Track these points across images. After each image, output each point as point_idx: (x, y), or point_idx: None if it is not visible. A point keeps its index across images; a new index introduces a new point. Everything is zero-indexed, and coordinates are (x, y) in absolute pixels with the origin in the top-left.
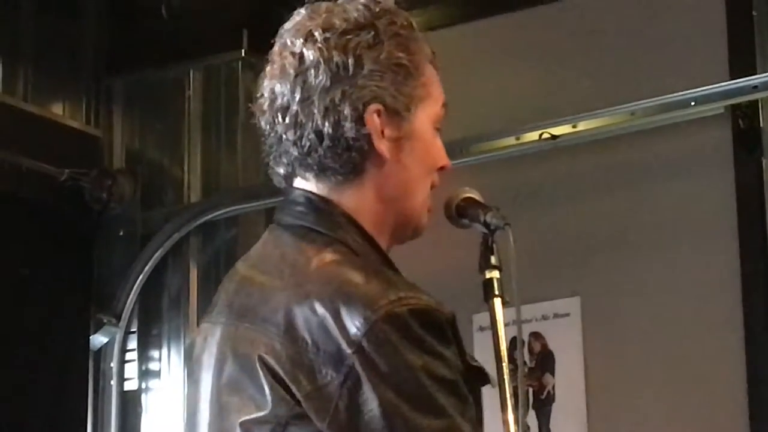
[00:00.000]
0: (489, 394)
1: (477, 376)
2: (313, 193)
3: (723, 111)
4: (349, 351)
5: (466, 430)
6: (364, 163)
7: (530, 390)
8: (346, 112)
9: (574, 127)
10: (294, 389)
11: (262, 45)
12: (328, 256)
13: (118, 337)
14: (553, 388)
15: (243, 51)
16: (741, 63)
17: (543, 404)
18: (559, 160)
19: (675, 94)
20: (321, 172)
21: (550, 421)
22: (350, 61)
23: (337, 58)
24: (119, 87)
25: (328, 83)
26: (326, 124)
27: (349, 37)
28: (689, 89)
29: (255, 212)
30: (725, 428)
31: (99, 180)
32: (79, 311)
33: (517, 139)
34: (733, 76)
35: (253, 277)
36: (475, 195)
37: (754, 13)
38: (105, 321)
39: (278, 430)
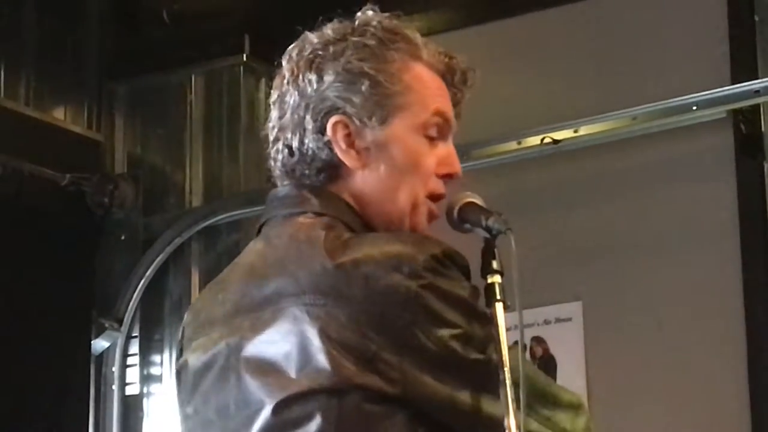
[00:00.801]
0: None
1: None
2: (304, 185)
3: (725, 115)
4: (411, 290)
5: None
6: (333, 171)
7: None
8: (309, 125)
9: (575, 131)
10: (362, 350)
11: (264, 50)
12: (341, 232)
13: (120, 342)
14: None
15: (245, 56)
16: (743, 67)
17: None
18: (561, 164)
19: (677, 99)
20: (300, 180)
21: None
22: (314, 75)
23: (303, 74)
24: (121, 92)
25: (297, 99)
26: (294, 137)
27: (319, 52)
28: (691, 94)
29: (257, 217)
30: (728, 429)
31: (101, 185)
32: (81, 316)
33: (519, 143)
34: (735, 81)
35: (257, 271)
36: (476, 199)
37: (755, 17)
38: (106, 325)
39: (334, 395)
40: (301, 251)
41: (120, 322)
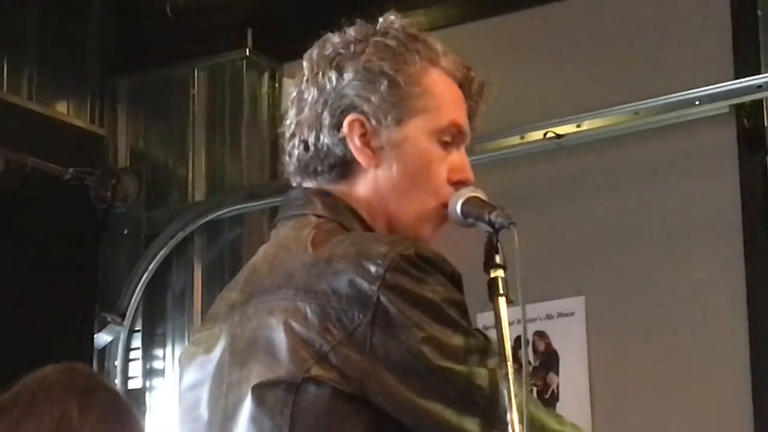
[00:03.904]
0: None
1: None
2: (311, 188)
3: (727, 110)
4: (373, 287)
5: (488, 346)
6: (347, 168)
7: (534, 389)
8: (326, 121)
9: (578, 126)
10: (321, 343)
11: (267, 44)
12: (331, 231)
13: (123, 336)
14: (558, 387)
15: (247, 50)
16: (746, 62)
17: (547, 403)
18: (564, 159)
19: (679, 94)
20: (313, 176)
21: None
22: (333, 73)
23: (323, 71)
24: (124, 86)
25: (316, 95)
26: (311, 133)
27: (340, 51)
28: (694, 88)
29: (259, 211)
30: (730, 427)
31: (103, 179)
32: (84, 310)
33: (522, 138)
34: (738, 76)
35: (258, 269)
36: (480, 194)
37: (759, 12)
38: (109, 320)
39: (291, 389)
40: (288, 248)
41: (123, 316)
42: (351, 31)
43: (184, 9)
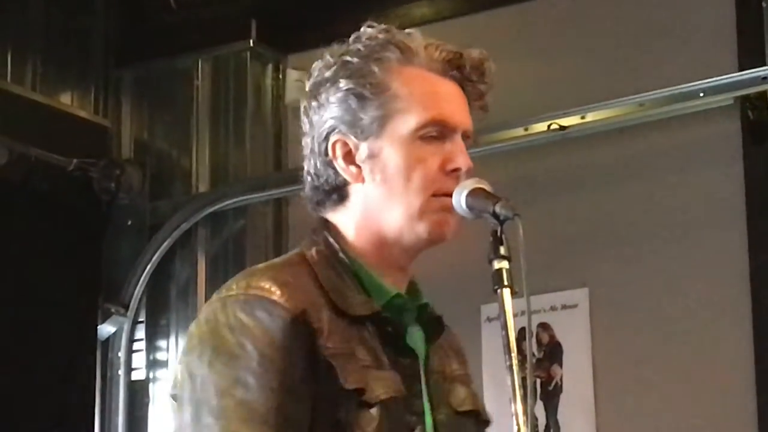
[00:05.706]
0: (494, 386)
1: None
2: (319, 223)
3: (732, 102)
4: (193, 322)
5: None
6: (341, 191)
7: (538, 381)
8: (316, 149)
9: (582, 118)
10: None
11: (271, 35)
12: (297, 263)
13: (126, 327)
14: (561, 378)
15: (251, 41)
16: (750, 54)
17: (551, 395)
18: (568, 151)
19: (684, 85)
20: (319, 207)
21: (558, 411)
22: (315, 102)
23: (310, 103)
24: (128, 77)
25: (309, 128)
26: (310, 164)
27: (319, 79)
28: (698, 80)
29: (263, 203)
30: (733, 418)
31: (107, 170)
32: (87, 301)
33: (526, 130)
34: (743, 68)
35: None
36: (484, 186)
37: (763, 4)
38: (113, 311)
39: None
40: None
41: (126, 307)
42: (328, 55)
43: (188, 0)
